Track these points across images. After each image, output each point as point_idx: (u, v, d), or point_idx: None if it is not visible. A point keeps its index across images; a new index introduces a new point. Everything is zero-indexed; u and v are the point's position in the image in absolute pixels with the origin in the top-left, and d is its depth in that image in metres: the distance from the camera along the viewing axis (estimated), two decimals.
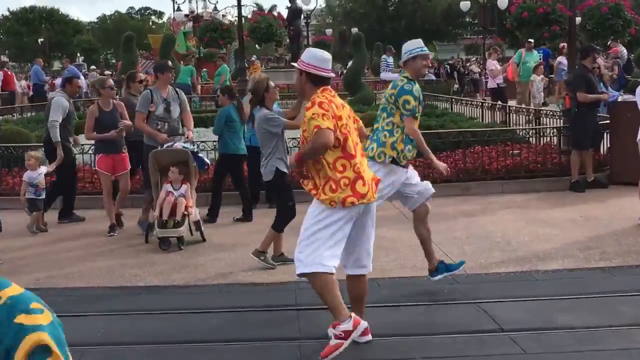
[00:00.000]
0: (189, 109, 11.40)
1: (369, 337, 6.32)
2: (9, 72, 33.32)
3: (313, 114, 6.06)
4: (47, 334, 2.08)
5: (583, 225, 10.80)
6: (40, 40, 58.64)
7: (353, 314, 6.14)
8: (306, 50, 6.66)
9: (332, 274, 6.12)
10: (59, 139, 11.55)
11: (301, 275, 6.25)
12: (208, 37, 38.38)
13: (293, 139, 14.01)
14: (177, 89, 11.47)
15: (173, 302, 8.02)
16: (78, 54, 61.06)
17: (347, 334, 6.05)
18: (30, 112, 26.07)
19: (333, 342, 6.03)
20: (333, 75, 6.53)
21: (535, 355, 6.12)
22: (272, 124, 9.02)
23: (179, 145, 10.53)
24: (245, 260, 9.47)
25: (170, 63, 12.02)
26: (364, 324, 6.18)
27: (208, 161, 10.95)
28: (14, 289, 2.07)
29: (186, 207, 10.21)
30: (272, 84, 9.54)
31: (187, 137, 10.82)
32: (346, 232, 6.15)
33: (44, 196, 11.52)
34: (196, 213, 10.45)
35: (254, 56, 44.43)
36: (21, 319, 2.01)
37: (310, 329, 6.87)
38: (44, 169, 11.52)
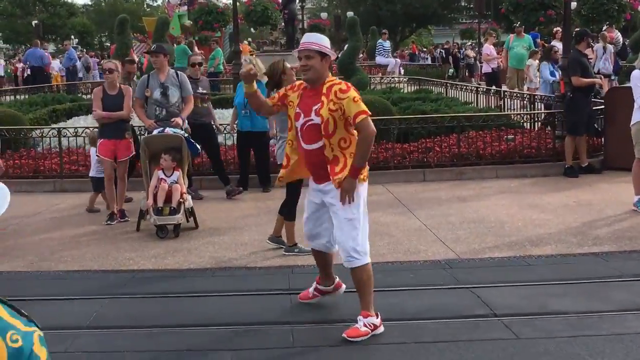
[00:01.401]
0: (190, 92, 11.07)
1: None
2: None
3: (355, 97, 6.16)
4: None
5: (576, 211, 10.81)
6: (34, 22, 58.32)
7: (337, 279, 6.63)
8: (313, 35, 6.57)
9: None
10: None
11: (357, 267, 6.26)
12: (203, 20, 38.28)
13: None
14: (179, 72, 11.23)
15: (166, 286, 8.01)
16: (72, 37, 60.89)
17: (375, 327, 6.27)
18: (24, 94, 25.97)
19: (363, 329, 6.21)
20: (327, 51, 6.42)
21: (527, 340, 6.12)
22: None
23: (169, 130, 10.38)
24: (239, 245, 9.48)
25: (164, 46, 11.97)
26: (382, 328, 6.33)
27: (199, 146, 10.76)
28: None
29: (181, 194, 10.12)
30: (288, 65, 9.40)
31: (173, 122, 10.50)
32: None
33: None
34: (189, 200, 10.37)
35: (245, 41, 44.25)
36: None
37: (303, 313, 6.88)
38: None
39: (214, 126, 12.81)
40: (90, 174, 11.74)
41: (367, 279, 6.27)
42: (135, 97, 10.82)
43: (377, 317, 6.30)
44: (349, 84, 6.32)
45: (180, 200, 10.08)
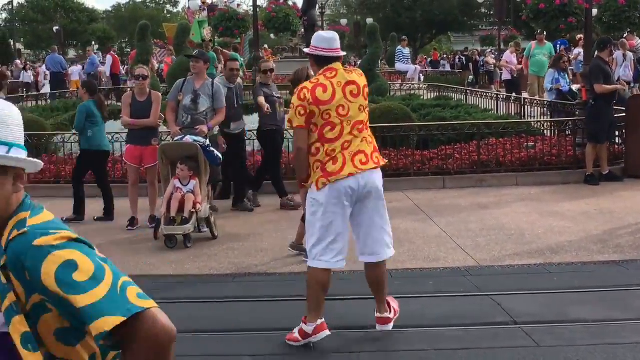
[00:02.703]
0: (222, 105, 10.84)
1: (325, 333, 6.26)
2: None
3: (292, 103, 6.21)
4: (67, 250, 2.11)
5: (597, 219, 10.76)
6: (55, 28, 58.66)
7: (320, 321, 6.20)
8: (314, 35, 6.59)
9: (322, 270, 6.20)
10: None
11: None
12: (223, 26, 38.37)
13: None
14: (215, 83, 11.01)
15: (186, 292, 8.04)
16: (93, 43, 61.28)
17: (305, 335, 6.22)
18: (46, 99, 26.12)
19: (295, 335, 6.28)
20: (338, 54, 6.33)
21: (548, 349, 6.11)
22: None
23: (189, 138, 10.25)
24: (259, 251, 9.50)
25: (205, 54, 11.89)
26: (326, 332, 6.20)
27: (220, 155, 10.57)
28: (39, 218, 2.22)
29: (194, 204, 9.98)
30: (312, 72, 9.40)
31: (197, 130, 10.33)
32: (335, 221, 6.11)
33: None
34: (206, 209, 10.17)
35: (265, 45, 44.36)
36: (39, 241, 2.09)
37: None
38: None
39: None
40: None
41: (309, 283, 6.26)
42: (167, 100, 10.82)
43: (313, 324, 6.17)
44: (299, 88, 6.24)
45: (193, 210, 9.92)
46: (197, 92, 10.58)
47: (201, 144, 10.12)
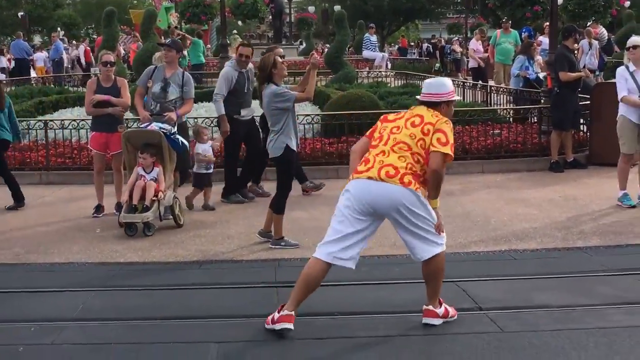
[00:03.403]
0: (191, 95, 10.76)
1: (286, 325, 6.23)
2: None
3: None
4: None
5: (562, 205, 10.86)
6: (20, 14, 57.90)
7: (288, 312, 6.20)
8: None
9: (315, 259, 6.25)
10: (223, 112, 11.24)
11: None
12: (190, 12, 38.17)
13: (306, 115, 14.02)
14: (185, 73, 10.92)
15: (153, 279, 8.02)
16: (58, 29, 60.54)
17: (272, 321, 6.29)
18: (10, 86, 25.84)
19: (269, 317, 6.34)
20: (426, 99, 6.39)
21: (512, 334, 6.16)
22: (282, 98, 8.85)
23: (154, 126, 10.10)
24: (226, 238, 9.49)
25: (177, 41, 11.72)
26: (285, 325, 6.19)
27: (185, 142, 10.49)
28: None
29: (156, 192, 9.87)
30: (279, 59, 9.36)
31: (166, 117, 10.20)
32: (350, 224, 6.17)
33: (211, 171, 11.43)
34: (169, 197, 10.09)
35: (235, 31, 44.17)
36: None
37: None
38: (209, 143, 11.58)
39: None
40: (196, 170, 11.37)
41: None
42: (137, 86, 10.72)
43: (279, 313, 6.24)
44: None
45: (154, 198, 9.83)
46: (168, 80, 10.48)
47: (166, 131, 10.02)
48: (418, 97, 6.50)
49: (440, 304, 6.43)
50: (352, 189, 6.18)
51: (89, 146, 11.30)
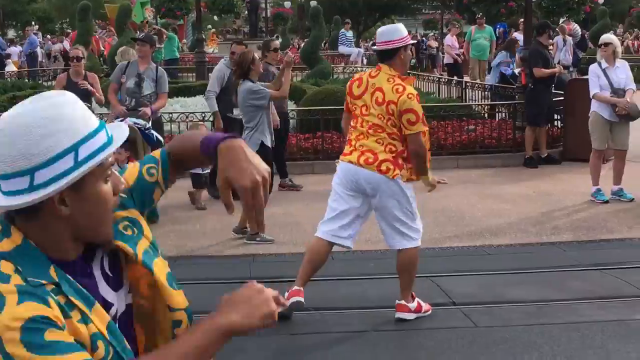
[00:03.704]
0: (165, 90, 10.73)
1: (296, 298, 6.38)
2: None
3: None
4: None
5: (536, 201, 10.93)
6: None
7: (296, 288, 6.42)
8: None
9: (317, 237, 6.52)
10: (216, 109, 11.02)
11: None
12: (165, 7, 38.02)
13: (291, 110, 13.95)
14: (159, 68, 10.91)
15: None
16: (33, 23, 60.13)
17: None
18: None
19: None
20: (379, 48, 6.46)
21: (485, 329, 6.21)
22: (257, 96, 8.87)
23: (128, 120, 10.08)
24: (200, 234, 9.48)
25: (153, 36, 11.60)
26: (296, 298, 6.35)
27: (160, 137, 10.40)
28: None
29: None
30: (257, 56, 9.35)
31: (140, 112, 10.18)
32: (344, 200, 6.40)
33: (208, 171, 11.16)
34: None
35: (210, 26, 44.06)
36: None
37: None
38: None
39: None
40: (192, 171, 11.08)
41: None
42: (111, 82, 10.66)
43: (290, 290, 6.44)
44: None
45: None
46: (142, 75, 10.44)
47: (141, 126, 9.98)
48: (374, 47, 6.68)
49: (413, 299, 6.47)
50: (339, 169, 6.41)
51: None
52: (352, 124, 6.43)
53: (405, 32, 6.50)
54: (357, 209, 6.41)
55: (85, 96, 10.63)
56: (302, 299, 6.33)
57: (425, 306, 6.52)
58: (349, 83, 6.57)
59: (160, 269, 2.10)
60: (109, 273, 2.02)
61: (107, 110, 12.37)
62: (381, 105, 6.21)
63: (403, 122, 6.16)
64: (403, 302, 6.42)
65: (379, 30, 6.56)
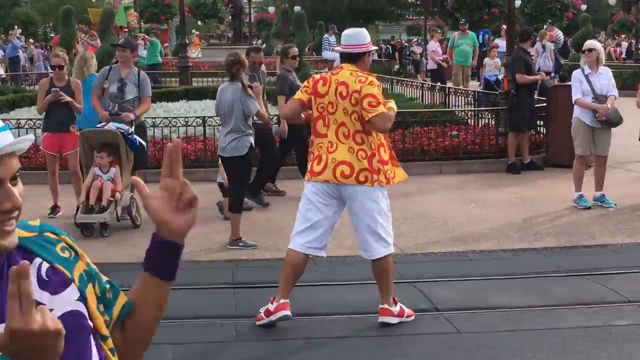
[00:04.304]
0: (148, 94, 10.62)
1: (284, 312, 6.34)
2: None
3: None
4: None
5: (518, 207, 10.96)
6: None
7: (283, 300, 6.29)
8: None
9: (293, 251, 6.39)
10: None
11: None
12: (149, 12, 37.97)
13: (274, 115, 13.90)
14: (141, 72, 10.81)
15: (109, 280, 7.95)
16: (15, 27, 60.00)
17: (268, 313, 6.36)
18: None
19: (261, 313, 6.41)
20: (349, 50, 6.51)
21: (469, 335, 6.21)
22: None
23: (111, 125, 10.00)
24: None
25: (134, 41, 11.56)
26: (284, 312, 6.28)
27: (143, 142, 10.35)
28: None
29: (113, 192, 9.77)
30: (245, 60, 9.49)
31: (123, 117, 10.08)
32: (316, 211, 6.32)
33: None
34: (126, 198, 9.98)
35: (194, 31, 44.03)
36: None
37: (246, 307, 6.88)
38: None
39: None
40: (218, 180, 10.76)
41: (285, 262, 6.55)
42: (94, 88, 10.60)
43: (275, 304, 6.35)
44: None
45: (111, 198, 9.74)
46: (124, 80, 10.39)
47: (124, 131, 9.95)
48: (339, 48, 6.67)
49: (395, 303, 6.47)
50: (312, 188, 6.34)
51: (40, 147, 11.09)
52: (318, 130, 6.36)
53: (369, 37, 6.74)
54: (330, 217, 6.39)
55: (67, 106, 10.60)
56: (290, 313, 6.30)
57: (407, 311, 6.52)
58: (312, 82, 6.50)
59: (92, 297, 2.09)
60: (45, 277, 2.00)
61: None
62: (345, 99, 6.26)
63: (364, 107, 6.17)
64: (386, 305, 6.42)
65: (349, 32, 6.62)
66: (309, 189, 6.37)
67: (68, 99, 10.50)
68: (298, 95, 6.53)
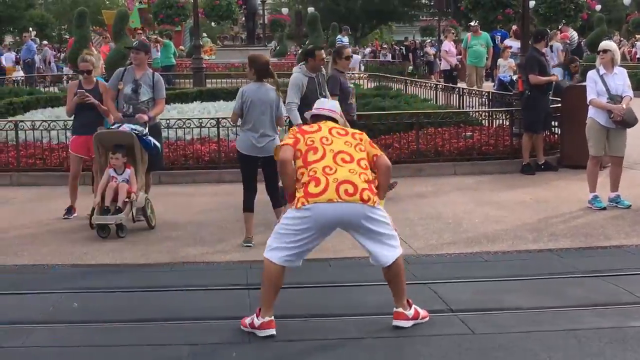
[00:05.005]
0: (162, 96, 10.63)
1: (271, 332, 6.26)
2: None
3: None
4: None
5: (533, 208, 10.92)
6: None
7: (268, 318, 6.23)
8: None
9: (273, 263, 6.22)
10: (300, 121, 9.91)
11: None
12: (163, 14, 38.08)
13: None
14: (155, 74, 10.82)
15: (123, 281, 7.98)
16: (30, 29, 60.19)
17: (252, 326, 6.29)
18: None
19: (249, 320, 6.36)
20: (325, 112, 6.73)
21: (483, 336, 6.19)
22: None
23: (126, 127, 10.03)
24: (197, 240, 9.46)
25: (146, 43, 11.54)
26: (270, 331, 6.22)
27: (157, 143, 10.38)
28: None
29: (128, 193, 9.81)
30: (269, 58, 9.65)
31: (137, 118, 10.09)
32: (307, 236, 6.18)
33: None
34: (141, 199, 9.99)
35: (204, 35, 44.07)
36: None
37: None
38: None
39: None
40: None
41: (262, 274, 6.34)
42: (107, 88, 10.62)
43: (261, 319, 6.23)
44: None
45: (126, 199, 9.77)
46: (138, 81, 10.41)
47: (138, 132, 9.97)
48: (320, 112, 6.76)
49: (410, 306, 6.45)
50: (312, 213, 6.09)
51: (70, 150, 11.07)
52: (308, 159, 6.21)
53: None
54: (319, 239, 6.31)
55: (94, 109, 10.63)
56: (275, 331, 6.22)
57: (422, 313, 6.50)
58: (295, 129, 6.74)
59: None
60: None
61: None
62: (344, 136, 6.38)
63: (374, 145, 6.48)
64: (400, 309, 6.40)
65: (332, 103, 7.03)
66: (298, 224, 6.14)
67: (93, 100, 10.56)
68: (285, 141, 6.39)
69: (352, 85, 11.99)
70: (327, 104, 6.89)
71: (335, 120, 6.64)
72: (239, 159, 9.54)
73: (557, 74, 14.78)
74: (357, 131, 6.54)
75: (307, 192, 6.10)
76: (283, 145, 6.34)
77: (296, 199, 6.16)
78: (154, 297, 7.43)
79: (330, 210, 6.07)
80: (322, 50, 11.19)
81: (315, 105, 6.86)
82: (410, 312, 6.42)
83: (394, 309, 6.42)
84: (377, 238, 6.26)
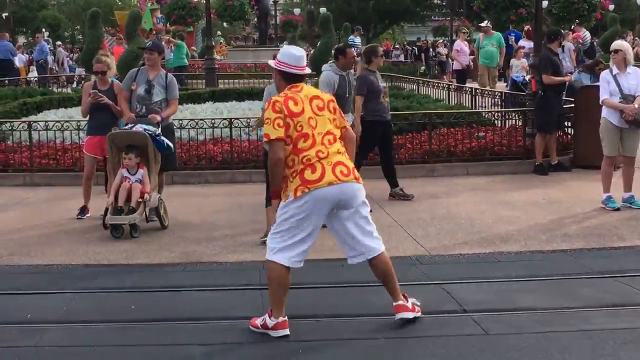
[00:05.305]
0: (176, 96, 10.67)
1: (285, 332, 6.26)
2: None
3: (267, 117, 6.22)
4: None
5: (546, 208, 10.89)
6: (4, 15, 57.78)
7: (282, 319, 6.23)
8: (281, 49, 6.74)
9: (280, 265, 6.20)
10: None
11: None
12: (176, 14, 38.11)
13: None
14: (169, 74, 10.88)
15: (136, 281, 8.00)
16: (43, 30, 60.37)
17: (265, 327, 6.29)
18: None
19: (258, 321, 6.37)
20: (306, 71, 6.50)
21: (496, 336, 6.18)
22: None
23: (139, 127, 10.04)
24: (210, 240, 9.47)
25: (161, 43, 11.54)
26: (284, 331, 6.22)
27: (170, 143, 10.38)
28: None
29: (142, 193, 9.84)
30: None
31: (150, 118, 10.13)
32: (307, 226, 6.16)
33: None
34: (155, 199, 10.02)
35: (219, 32, 44.15)
36: None
37: None
38: None
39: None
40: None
41: (268, 277, 6.31)
42: (120, 89, 10.64)
43: (275, 320, 6.23)
44: (271, 100, 6.29)
45: (140, 199, 9.80)
46: (151, 82, 10.42)
47: (151, 132, 9.98)
48: (294, 71, 6.43)
49: (406, 299, 6.49)
50: (312, 197, 6.08)
51: (84, 151, 11.07)
52: (299, 147, 6.15)
53: None
54: (316, 230, 6.25)
55: (109, 109, 10.65)
56: (288, 331, 6.24)
57: (417, 308, 6.57)
58: (281, 105, 6.16)
59: None
60: None
61: None
62: (323, 110, 6.31)
63: (342, 115, 6.50)
64: (400, 302, 6.44)
65: (299, 54, 6.53)
66: (296, 214, 6.12)
67: (107, 101, 10.58)
68: (275, 134, 6.11)
69: (384, 84, 11.90)
70: (303, 61, 6.53)
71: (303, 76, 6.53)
72: None
73: (582, 80, 14.75)
74: (330, 98, 6.44)
75: (305, 180, 6.10)
76: (276, 140, 6.14)
77: (293, 189, 6.11)
78: (166, 297, 7.44)
79: (331, 192, 6.12)
80: (352, 49, 11.19)
81: (293, 63, 6.42)
82: (409, 304, 6.47)
83: (394, 303, 6.44)
84: (364, 225, 6.33)
